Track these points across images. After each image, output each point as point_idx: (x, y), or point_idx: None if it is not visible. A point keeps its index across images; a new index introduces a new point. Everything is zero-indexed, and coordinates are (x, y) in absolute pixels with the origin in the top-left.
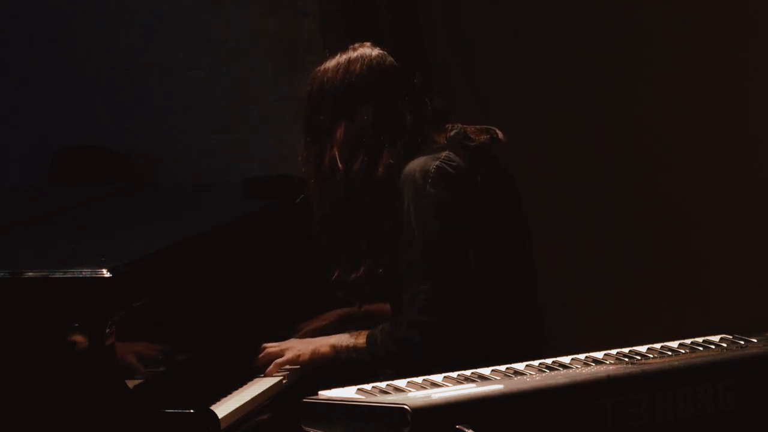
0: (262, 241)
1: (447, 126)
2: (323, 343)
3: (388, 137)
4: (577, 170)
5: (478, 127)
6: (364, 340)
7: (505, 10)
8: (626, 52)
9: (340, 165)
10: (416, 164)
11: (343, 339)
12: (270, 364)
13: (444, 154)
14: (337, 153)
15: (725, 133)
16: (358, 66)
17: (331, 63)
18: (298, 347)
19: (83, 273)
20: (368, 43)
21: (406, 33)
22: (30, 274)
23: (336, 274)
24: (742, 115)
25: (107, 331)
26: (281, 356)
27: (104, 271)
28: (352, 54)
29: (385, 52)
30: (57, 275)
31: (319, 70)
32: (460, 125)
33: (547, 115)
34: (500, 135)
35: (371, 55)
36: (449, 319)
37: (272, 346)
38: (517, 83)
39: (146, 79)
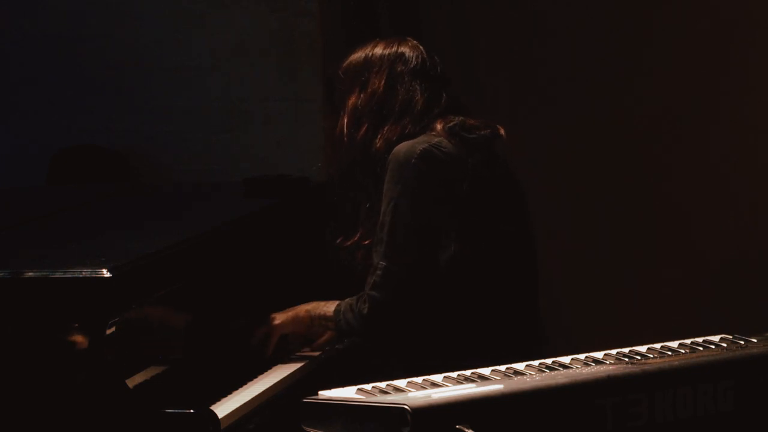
0: (261, 240)
1: (449, 117)
2: (301, 309)
3: (394, 112)
4: (576, 169)
5: (480, 121)
6: (333, 309)
7: (505, 10)
8: (627, 51)
9: (345, 131)
10: (404, 145)
11: (318, 307)
12: (264, 346)
13: (436, 139)
14: (345, 120)
15: (726, 134)
16: (382, 46)
17: (361, 47)
18: (280, 317)
19: (83, 273)
20: (407, 38)
21: (405, 33)
22: (30, 274)
23: (339, 239)
24: (744, 115)
25: (107, 331)
26: (269, 333)
27: (104, 271)
28: (381, 40)
29: (417, 44)
30: (57, 275)
31: (351, 52)
32: (461, 118)
33: (547, 114)
34: (502, 132)
35: (398, 40)
36: (401, 301)
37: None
38: (517, 83)
39: (146, 79)
